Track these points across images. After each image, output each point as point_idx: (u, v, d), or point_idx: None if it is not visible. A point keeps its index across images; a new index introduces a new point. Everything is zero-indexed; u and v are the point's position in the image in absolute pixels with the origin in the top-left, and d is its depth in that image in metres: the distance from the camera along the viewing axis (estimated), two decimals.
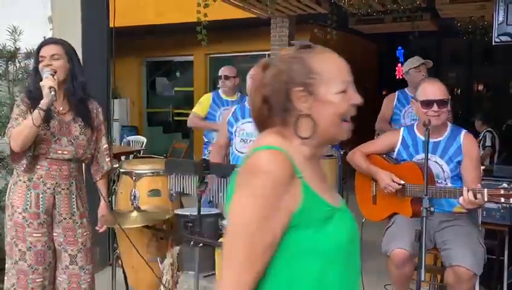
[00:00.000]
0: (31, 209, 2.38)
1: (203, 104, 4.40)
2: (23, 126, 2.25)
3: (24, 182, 2.40)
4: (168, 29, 8.82)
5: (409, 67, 4.01)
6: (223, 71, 4.36)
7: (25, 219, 2.38)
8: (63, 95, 2.43)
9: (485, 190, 2.27)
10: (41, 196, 2.39)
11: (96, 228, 2.66)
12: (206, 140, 4.48)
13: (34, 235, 2.38)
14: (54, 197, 2.42)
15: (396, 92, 4.17)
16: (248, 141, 3.18)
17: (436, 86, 2.65)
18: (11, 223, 2.41)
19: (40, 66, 2.35)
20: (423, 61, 3.98)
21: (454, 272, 2.37)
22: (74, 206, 2.49)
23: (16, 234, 2.39)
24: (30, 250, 2.38)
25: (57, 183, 2.42)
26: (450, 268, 2.41)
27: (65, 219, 2.46)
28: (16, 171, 2.43)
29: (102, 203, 2.66)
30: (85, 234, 2.53)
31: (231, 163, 3.22)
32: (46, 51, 2.38)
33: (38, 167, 2.39)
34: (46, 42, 2.45)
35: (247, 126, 3.14)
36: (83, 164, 2.61)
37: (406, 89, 4.13)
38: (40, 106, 2.23)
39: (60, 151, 2.40)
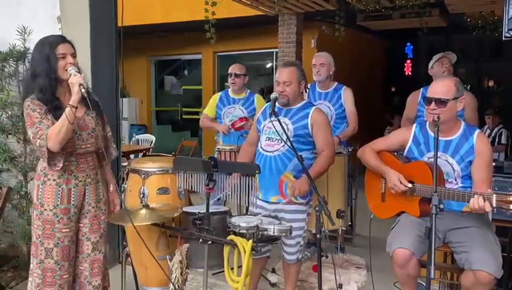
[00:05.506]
0: (62, 205, 2.44)
1: (211, 104, 4.50)
2: (59, 126, 2.29)
3: (54, 180, 2.44)
4: (176, 28, 8.84)
5: (432, 63, 4.04)
6: (232, 69, 4.39)
7: (56, 215, 2.44)
8: (68, 91, 2.42)
9: (494, 195, 2.22)
10: (73, 190, 2.47)
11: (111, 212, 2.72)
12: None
13: (63, 230, 2.46)
14: (85, 188, 2.52)
15: (421, 89, 4.01)
16: (273, 140, 3.02)
17: (440, 83, 2.60)
18: (38, 222, 2.45)
19: (62, 63, 2.36)
20: (444, 53, 4.03)
21: (475, 276, 2.32)
22: (100, 194, 2.60)
23: (43, 233, 2.44)
24: (57, 246, 2.44)
25: (87, 175, 2.52)
26: (470, 272, 2.35)
27: (93, 207, 2.55)
28: (43, 172, 2.46)
29: (114, 188, 2.73)
30: (105, 220, 2.63)
31: (256, 159, 3.11)
32: (66, 50, 2.41)
33: (66, 163, 2.44)
34: (62, 40, 2.45)
35: (275, 124, 2.96)
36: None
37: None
38: (71, 103, 2.30)
39: (84, 146, 2.48)
